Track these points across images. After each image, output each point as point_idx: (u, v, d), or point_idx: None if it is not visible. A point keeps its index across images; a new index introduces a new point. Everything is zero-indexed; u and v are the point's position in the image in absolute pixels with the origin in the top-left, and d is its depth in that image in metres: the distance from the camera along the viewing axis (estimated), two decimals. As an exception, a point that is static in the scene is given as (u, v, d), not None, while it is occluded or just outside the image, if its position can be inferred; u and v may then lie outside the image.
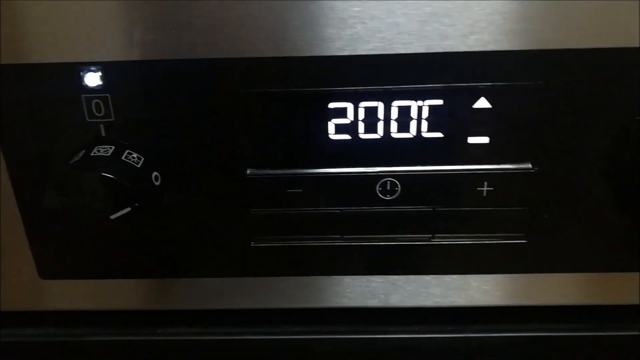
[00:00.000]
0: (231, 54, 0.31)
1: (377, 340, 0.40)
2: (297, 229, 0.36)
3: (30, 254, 0.38)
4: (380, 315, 0.40)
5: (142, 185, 0.32)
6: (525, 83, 0.32)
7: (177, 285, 0.39)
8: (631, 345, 0.40)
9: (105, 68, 0.32)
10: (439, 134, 0.34)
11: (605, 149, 0.33)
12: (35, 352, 0.41)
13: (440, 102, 0.33)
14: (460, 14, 0.31)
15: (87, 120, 0.33)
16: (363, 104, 0.33)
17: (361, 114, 0.33)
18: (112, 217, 0.32)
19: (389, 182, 0.35)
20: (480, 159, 0.34)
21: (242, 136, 0.34)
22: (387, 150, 0.34)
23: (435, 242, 0.37)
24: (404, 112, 0.33)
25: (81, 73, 0.32)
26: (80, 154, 0.32)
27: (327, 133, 0.34)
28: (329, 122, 0.34)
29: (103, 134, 0.33)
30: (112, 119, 0.33)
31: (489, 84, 0.32)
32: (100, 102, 0.32)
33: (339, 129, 0.34)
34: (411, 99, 0.33)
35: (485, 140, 0.34)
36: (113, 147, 0.33)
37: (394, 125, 0.34)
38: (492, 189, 0.35)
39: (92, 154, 0.32)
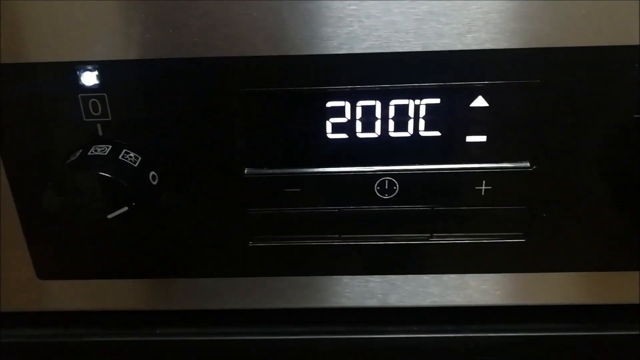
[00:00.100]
0: (229, 53, 0.31)
1: (375, 340, 0.40)
2: (296, 228, 0.36)
3: (28, 254, 0.38)
4: (378, 315, 0.40)
5: (139, 184, 0.32)
6: (523, 81, 0.32)
7: (175, 285, 0.39)
8: (631, 345, 0.39)
9: (102, 67, 0.32)
10: (437, 133, 0.34)
11: (604, 148, 0.33)
12: (35, 353, 0.41)
13: (437, 100, 0.33)
14: (457, 13, 0.31)
15: (84, 119, 0.33)
16: (360, 102, 0.33)
17: (358, 113, 0.33)
18: (110, 216, 0.32)
19: (387, 181, 0.35)
20: (478, 158, 0.34)
21: (240, 135, 0.34)
22: (385, 149, 0.34)
23: (434, 241, 0.37)
24: (401, 110, 0.33)
25: (78, 72, 0.32)
26: (78, 154, 0.32)
27: (325, 132, 0.34)
28: (326, 121, 0.34)
29: (100, 133, 0.33)
30: (109, 119, 0.33)
31: (486, 82, 0.32)
32: (97, 101, 0.32)
33: (337, 128, 0.34)
34: (408, 98, 0.33)
35: (482, 139, 0.34)
36: (110, 147, 0.33)
37: (391, 124, 0.34)
38: (490, 187, 0.35)
39: (89, 154, 0.32)
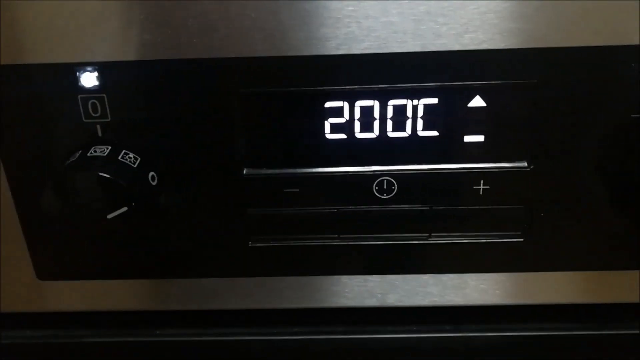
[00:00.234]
0: (227, 54, 0.32)
1: (374, 340, 0.40)
2: (295, 228, 0.37)
3: (28, 255, 0.38)
4: (378, 315, 0.40)
5: (138, 185, 0.33)
6: (520, 81, 0.32)
7: (175, 285, 0.39)
8: (631, 344, 0.39)
9: (102, 68, 0.32)
10: (435, 133, 0.34)
11: (602, 147, 0.33)
12: (34, 354, 0.41)
13: (435, 100, 0.33)
14: (454, 13, 0.31)
15: (84, 120, 0.33)
16: (359, 103, 0.33)
17: (357, 113, 0.33)
18: (109, 216, 0.32)
19: (385, 181, 0.35)
20: (476, 158, 0.34)
21: (239, 136, 0.34)
22: (383, 149, 0.34)
23: (432, 241, 0.37)
24: (400, 111, 0.33)
25: (77, 73, 0.32)
26: (77, 155, 0.33)
27: (323, 132, 0.34)
28: (325, 122, 0.34)
29: (100, 134, 0.33)
30: (109, 119, 0.33)
31: (484, 82, 0.32)
32: (96, 102, 0.33)
33: (335, 128, 0.34)
34: (406, 98, 0.33)
35: (480, 138, 0.34)
36: (109, 147, 0.33)
37: (389, 124, 0.34)
38: (488, 187, 0.35)
39: (88, 154, 0.32)
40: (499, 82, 0.32)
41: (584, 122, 0.33)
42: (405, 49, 0.31)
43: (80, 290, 0.39)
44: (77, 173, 0.32)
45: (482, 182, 0.35)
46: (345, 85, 0.32)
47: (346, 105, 0.33)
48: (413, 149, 0.34)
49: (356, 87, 0.33)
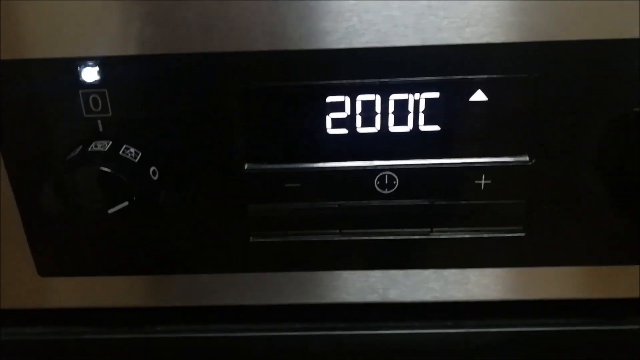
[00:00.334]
0: (228, 49, 0.32)
1: (376, 335, 0.40)
2: (296, 224, 0.36)
3: (29, 251, 0.38)
4: (379, 311, 0.40)
5: (139, 179, 0.33)
6: (522, 75, 0.32)
7: (175, 282, 0.39)
8: (631, 340, 0.39)
9: (102, 63, 0.32)
10: (436, 127, 0.34)
11: (604, 141, 0.33)
12: (35, 350, 0.41)
13: (436, 95, 0.33)
14: (455, 7, 0.31)
15: (85, 115, 0.33)
16: (360, 97, 0.33)
17: (358, 108, 0.33)
18: (110, 211, 0.32)
19: (387, 176, 0.35)
20: (478, 152, 0.34)
21: (240, 131, 0.34)
22: (385, 144, 0.34)
23: (434, 236, 0.37)
24: (401, 105, 0.33)
25: (78, 68, 0.32)
26: (78, 150, 0.32)
27: (324, 127, 0.34)
28: (326, 116, 0.34)
29: (100, 129, 0.33)
30: (110, 114, 0.33)
31: (485, 76, 0.32)
32: (97, 97, 0.33)
33: (337, 123, 0.34)
34: (407, 92, 0.33)
35: (482, 133, 0.34)
36: (110, 142, 0.33)
37: (391, 119, 0.34)
38: (489, 182, 0.35)
39: (89, 149, 0.32)
40: (500, 76, 0.32)
41: (586, 115, 0.33)
42: (406, 43, 0.31)
43: (80, 287, 0.39)
44: (78, 168, 0.32)
45: (483, 176, 0.35)
46: (346, 80, 0.32)
47: (347, 100, 0.33)
48: (414, 143, 0.34)
49: (357, 81, 0.32)
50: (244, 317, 0.41)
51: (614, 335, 0.39)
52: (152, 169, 0.33)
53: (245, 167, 0.35)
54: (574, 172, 0.34)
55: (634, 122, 0.33)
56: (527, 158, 0.34)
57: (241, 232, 0.37)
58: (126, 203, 0.32)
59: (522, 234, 0.36)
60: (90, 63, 0.32)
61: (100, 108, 0.33)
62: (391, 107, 0.33)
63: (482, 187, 0.35)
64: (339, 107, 0.33)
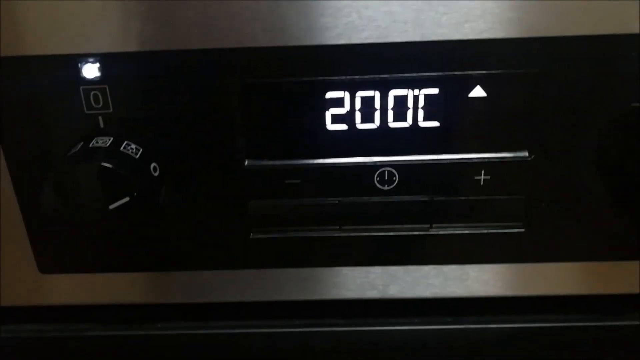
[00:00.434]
0: (228, 45, 0.32)
1: (376, 332, 0.40)
2: (296, 220, 0.37)
3: (30, 248, 0.38)
4: (379, 307, 0.40)
5: (140, 175, 0.33)
6: (521, 71, 0.32)
7: (176, 278, 0.39)
8: (631, 335, 0.39)
9: (103, 59, 0.32)
10: (436, 123, 0.34)
11: (603, 137, 0.34)
12: (35, 348, 0.41)
13: (436, 90, 0.33)
14: (455, 2, 0.31)
15: (86, 112, 0.33)
16: (359, 93, 0.33)
17: (358, 104, 0.33)
18: (111, 207, 0.32)
19: (386, 171, 0.35)
20: (477, 148, 0.34)
21: (240, 127, 0.34)
22: (385, 139, 0.34)
23: (434, 232, 0.37)
24: (400, 101, 0.33)
25: (79, 65, 0.32)
26: (79, 146, 0.33)
27: (324, 123, 0.34)
28: (326, 112, 0.34)
29: (101, 125, 0.33)
30: (111, 111, 0.33)
31: (485, 72, 0.32)
32: (98, 93, 0.33)
33: (336, 118, 0.34)
34: (407, 88, 0.33)
35: (481, 128, 0.34)
36: (111, 138, 0.33)
37: (390, 115, 0.34)
38: (489, 177, 0.35)
39: (90, 146, 0.32)
40: (499, 71, 0.32)
41: (585, 111, 0.33)
42: (405, 39, 0.31)
43: (81, 284, 0.39)
44: (79, 164, 0.32)
45: (483, 172, 0.35)
46: (345, 75, 0.33)
47: (347, 96, 0.33)
48: (414, 139, 0.34)
49: (357, 77, 0.33)
50: (244, 313, 0.41)
51: (614, 331, 0.39)
52: (152, 165, 0.34)
53: (246, 163, 0.35)
54: (574, 168, 0.34)
55: (633, 116, 0.33)
56: (526, 154, 0.34)
57: (241, 229, 0.37)
58: (127, 199, 0.32)
59: (522, 230, 0.36)
60: (91, 60, 0.32)
61: (101, 104, 0.33)
62: (391, 103, 0.33)
63: (482, 183, 0.35)
64: (339, 103, 0.34)
